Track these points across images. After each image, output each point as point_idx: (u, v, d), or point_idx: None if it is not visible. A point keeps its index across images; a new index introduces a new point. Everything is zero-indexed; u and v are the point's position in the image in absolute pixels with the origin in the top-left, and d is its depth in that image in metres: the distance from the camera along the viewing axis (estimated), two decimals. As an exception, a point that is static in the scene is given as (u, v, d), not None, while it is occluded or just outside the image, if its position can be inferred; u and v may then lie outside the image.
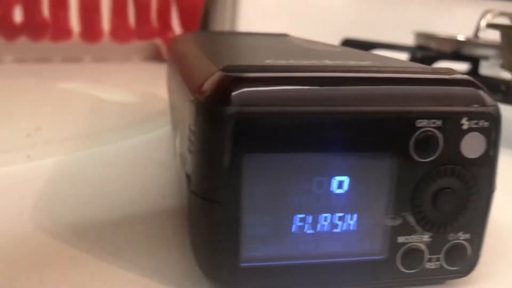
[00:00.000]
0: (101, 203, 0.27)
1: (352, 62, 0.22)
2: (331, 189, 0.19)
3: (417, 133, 0.18)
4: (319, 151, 0.18)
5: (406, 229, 0.19)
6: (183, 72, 0.24)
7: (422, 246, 0.20)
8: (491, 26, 0.44)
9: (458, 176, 0.19)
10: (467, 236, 0.20)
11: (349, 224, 0.19)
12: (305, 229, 0.19)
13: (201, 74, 0.20)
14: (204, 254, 0.19)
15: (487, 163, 0.19)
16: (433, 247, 0.20)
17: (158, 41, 0.79)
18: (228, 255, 0.18)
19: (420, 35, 0.74)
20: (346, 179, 0.19)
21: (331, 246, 0.19)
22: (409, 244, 0.20)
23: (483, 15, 0.67)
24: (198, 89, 0.19)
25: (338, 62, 0.21)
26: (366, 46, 0.70)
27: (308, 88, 0.18)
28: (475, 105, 0.19)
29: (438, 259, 0.20)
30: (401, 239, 0.19)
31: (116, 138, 0.39)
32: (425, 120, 0.18)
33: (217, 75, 0.18)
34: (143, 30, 0.76)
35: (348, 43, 0.70)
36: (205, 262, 0.19)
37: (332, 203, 0.19)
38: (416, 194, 0.19)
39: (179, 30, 0.80)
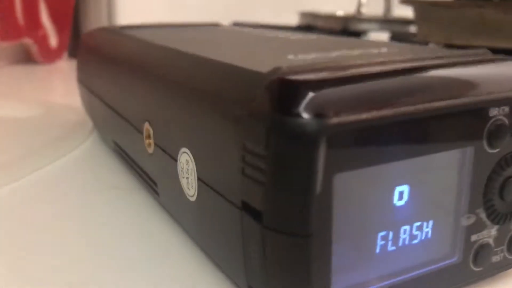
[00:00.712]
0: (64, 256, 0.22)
1: (376, 51, 0.20)
2: (410, 198, 0.17)
3: (490, 122, 0.17)
4: (404, 157, 0.16)
5: (478, 226, 0.18)
6: (185, 78, 0.20)
7: (491, 241, 0.19)
8: (404, 2, 0.45)
9: (523, 162, 0.18)
10: (526, 221, 0.19)
11: (427, 232, 0.17)
12: (388, 247, 0.17)
13: (237, 81, 0.17)
14: (288, 297, 0.15)
15: (544, 144, 0.19)
16: (499, 239, 0.19)
17: (27, 40, 0.69)
18: (318, 293, 0.15)
19: (306, 15, 0.74)
20: (424, 185, 0.17)
21: (411, 259, 0.17)
22: (480, 241, 0.18)
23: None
24: (251, 101, 0.15)
25: (370, 51, 0.19)
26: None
27: (393, 84, 0.15)
28: (535, 86, 0.18)
29: (502, 251, 0.19)
30: (474, 238, 0.18)
31: (37, 164, 0.32)
32: (497, 108, 0.17)
33: (277, 80, 0.15)
34: (8, 29, 0.66)
35: (237, 26, 0.68)
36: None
37: (411, 213, 0.17)
38: (488, 188, 0.18)
39: (50, 27, 0.71)
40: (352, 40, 0.25)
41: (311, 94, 0.14)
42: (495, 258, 0.19)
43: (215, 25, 0.38)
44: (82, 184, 0.30)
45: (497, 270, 0.19)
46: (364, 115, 0.15)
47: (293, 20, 0.78)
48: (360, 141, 0.15)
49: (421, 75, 0.16)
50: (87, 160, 0.34)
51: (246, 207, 0.16)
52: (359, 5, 0.75)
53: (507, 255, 0.19)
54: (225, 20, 0.71)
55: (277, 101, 0.15)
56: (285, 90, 0.15)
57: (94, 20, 0.74)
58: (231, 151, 0.16)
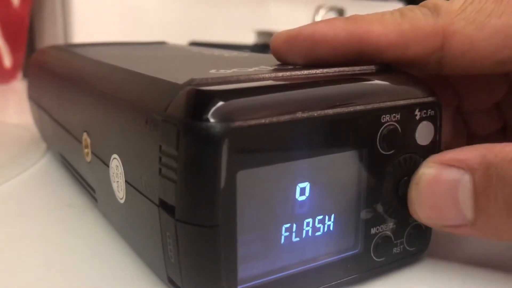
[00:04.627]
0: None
1: (290, 66, 0.22)
2: (312, 193, 0.19)
3: (382, 128, 0.19)
4: (302, 157, 0.18)
5: (377, 220, 0.20)
6: (114, 90, 0.22)
7: (389, 233, 0.21)
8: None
9: (415, 163, 0.20)
10: (422, 217, 0.22)
11: (329, 225, 0.20)
12: (292, 238, 0.19)
13: (157, 91, 0.19)
14: (199, 283, 0.17)
15: (435, 148, 0.21)
16: (398, 232, 0.21)
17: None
18: (226, 280, 0.17)
19: (261, 34, 0.77)
20: (324, 182, 0.19)
21: (316, 249, 0.19)
22: (380, 234, 0.21)
23: (316, 10, 0.72)
24: (167, 108, 0.17)
25: (282, 67, 0.21)
26: (212, 47, 0.71)
27: (289, 94, 0.18)
28: (424, 97, 0.20)
29: (402, 243, 0.21)
30: (373, 230, 0.20)
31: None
32: (388, 115, 0.19)
33: (188, 90, 0.17)
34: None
35: (194, 45, 0.70)
36: (200, 292, 0.17)
37: (313, 207, 0.19)
38: (384, 186, 0.20)
39: (3, 47, 0.72)
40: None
41: (215, 102, 0.16)
42: (396, 250, 0.21)
43: (161, 44, 0.40)
44: (37, 202, 0.30)
45: (398, 260, 0.21)
46: (263, 121, 0.17)
47: (251, 39, 0.80)
48: (261, 142, 0.17)
49: (316, 87, 0.18)
50: (41, 178, 0.34)
51: (162, 204, 0.18)
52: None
53: (406, 247, 0.21)
54: (183, 39, 0.73)
55: (187, 107, 0.17)
56: (193, 98, 0.17)
57: (50, 40, 0.75)
58: (151, 154, 0.18)
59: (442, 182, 0.19)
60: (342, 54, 0.21)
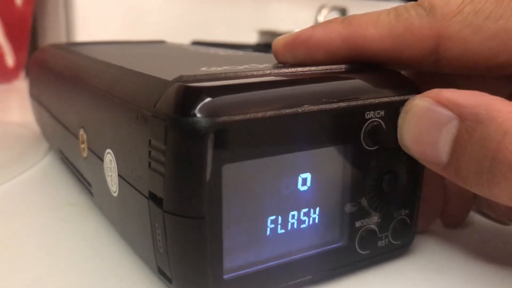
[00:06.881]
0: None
1: (281, 65, 0.22)
2: (297, 186, 0.19)
3: (366, 124, 0.20)
4: (287, 152, 0.19)
5: (361, 214, 0.21)
6: (108, 87, 0.22)
7: (374, 227, 0.21)
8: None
9: (399, 159, 0.21)
10: (407, 211, 0.22)
11: (314, 218, 0.20)
12: (278, 230, 0.19)
13: (147, 88, 0.19)
14: (186, 273, 0.18)
15: (419, 143, 0.21)
16: (382, 226, 0.22)
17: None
18: (212, 270, 0.18)
19: (264, 33, 0.77)
20: (309, 176, 0.20)
21: (301, 242, 0.20)
22: (364, 227, 0.21)
23: (319, 10, 0.73)
24: (156, 104, 0.18)
25: (272, 65, 0.22)
26: (214, 47, 0.72)
27: (274, 91, 0.18)
28: (408, 94, 0.21)
29: (387, 236, 0.22)
30: (358, 224, 0.21)
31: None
32: (372, 112, 0.20)
33: (176, 86, 0.18)
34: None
35: (197, 44, 0.71)
36: (187, 281, 0.18)
37: (298, 200, 0.20)
38: (368, 180, 0.21)
39: (6, 46, 0.73)
40: (268, 56, 0.28)
41: (202, 98, 0.17)
42: (381, 243, 0.22)
43: (160, 43, 0.40)
44: (39, 201, 0.30)
45: (383, 253, 0.22)
46: (248, 116, 0.17)
47: (253, 38, 0.81)
48: (246, 137, 0.17)
49: (301, 84, 0.19)
50: (44, 177, 0.34)
51: (151, 196, 0.18)
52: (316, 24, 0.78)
53: (392, 241, 0.22)
54: (185, 38, 0.73)
55: (175, 103, 0.17)
56: (181, 94, 0.17)
57: (53, 39, 0.76)
58: (141, 149, 0.19)
59: (430, 118, 0.19)
60: (338, 57, 0.21)
